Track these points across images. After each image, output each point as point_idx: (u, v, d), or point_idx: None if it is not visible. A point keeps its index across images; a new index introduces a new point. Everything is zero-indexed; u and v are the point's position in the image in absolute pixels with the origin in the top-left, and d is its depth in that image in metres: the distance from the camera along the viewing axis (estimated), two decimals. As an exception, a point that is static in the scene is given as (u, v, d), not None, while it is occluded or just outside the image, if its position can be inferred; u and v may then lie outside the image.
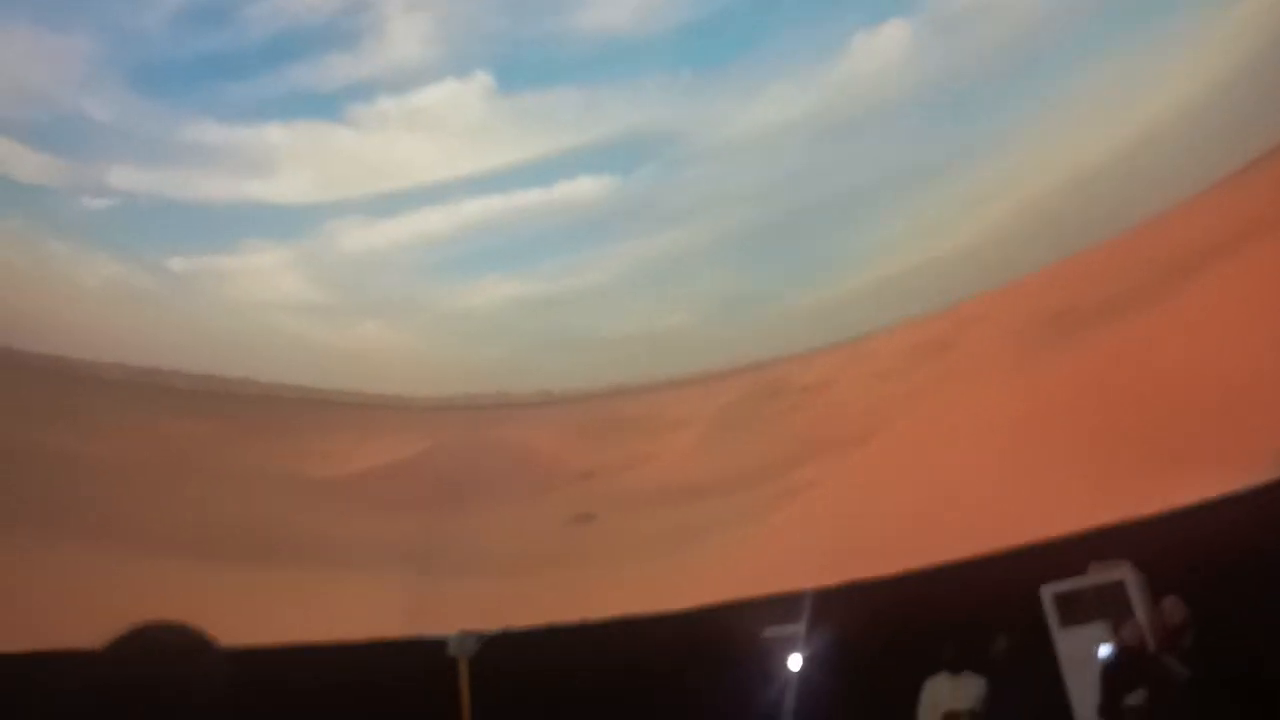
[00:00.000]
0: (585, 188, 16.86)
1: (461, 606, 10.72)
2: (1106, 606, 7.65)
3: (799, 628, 8.42)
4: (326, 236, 16.57)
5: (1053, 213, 14.39)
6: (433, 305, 16.38)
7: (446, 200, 16.73)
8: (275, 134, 16.58)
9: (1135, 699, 6.84)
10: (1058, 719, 7.62)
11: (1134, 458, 9.99)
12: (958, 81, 15.35)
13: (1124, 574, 7.74)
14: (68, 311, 14.46)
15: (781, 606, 8.77)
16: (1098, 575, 7.87)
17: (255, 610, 9.42)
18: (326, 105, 16.73)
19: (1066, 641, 7.82)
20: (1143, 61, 14.36)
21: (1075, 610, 7.86)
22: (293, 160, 16.65)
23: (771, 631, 8.64)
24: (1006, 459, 11.24)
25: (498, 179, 16.62)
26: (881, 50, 15.50)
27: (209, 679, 1.86)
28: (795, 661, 8.42)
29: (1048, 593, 7.98)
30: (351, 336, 16.62)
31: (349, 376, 14.90)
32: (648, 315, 16.41)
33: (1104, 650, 7.41)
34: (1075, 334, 12.74)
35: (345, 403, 14.86)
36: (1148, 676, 6.89)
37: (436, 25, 16.85)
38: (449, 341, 16.21)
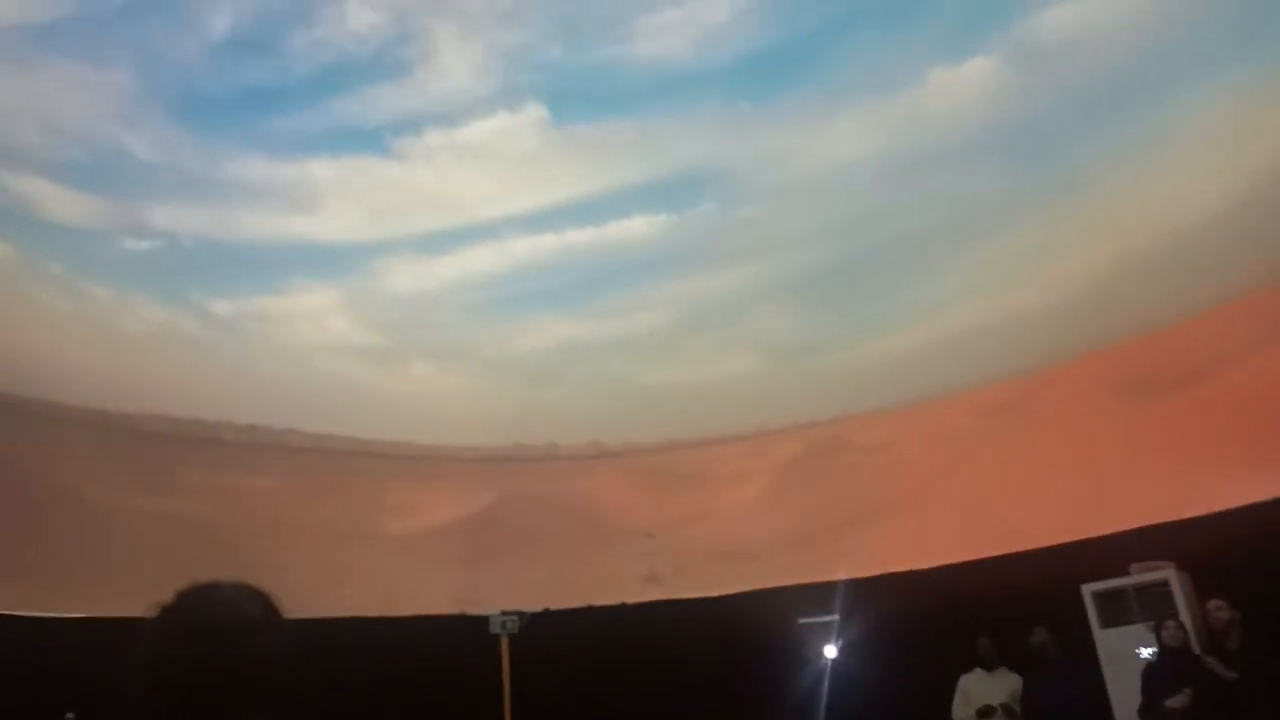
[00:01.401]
0: (639, 226, 16.28)
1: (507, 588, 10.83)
2: (1149, 607, 7.53)
3: (835, 616, 8.45)
4: (375, 276, 16.10)
5: (1144, 273, 12.64)
6: (482, 349, 15.75)
7: (497, 237, 16.34)
8: (321, 169, 16.13)
9: (1178, 700, 6.75)
10: (1097, 719, 7.52)
11: (1179, 458, 9.69)
12: (1042, 123, 13.66)
13: (1167, 575, 7.61)
14: (110, 361, 13.68)
15: (817, 594, 8.81)
16: (1140, 575, 7.75)
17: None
18: (374, 139, 16.20)
19: (1108, 641, 7.72)
20: (1256, 103, 12.62)
21: (1117, 610, 7.75)
22: (339, 196, 16.28)
23: (807, 619, 8.70)
24: (1055, 466, 10.91)
25: (549, 215, 16.16)
26: (960, 87, 14.33)
27: (273, 646, 1.85)
28: (830, 650, 8.47)
29: (1089, 591, 7.87)
30: (401, 382, 15.88)
31: (399, 426, 14.12)
32: (702, 363, 15.38)
33: (1146, 651, 7.31)
34: (1151, 400, 11.26)
35: (397, 454, 14.39)
36: (1191, 678, 6.80)
37: (488, 55, 16.32)
38: (499, 388, 15.43)
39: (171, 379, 14.27)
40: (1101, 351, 12.32)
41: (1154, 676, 7.03)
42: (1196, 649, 7.10)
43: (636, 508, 12.66)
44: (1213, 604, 7.09)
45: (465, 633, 8.98)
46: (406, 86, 16.02)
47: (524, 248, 16.17)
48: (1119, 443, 10.58)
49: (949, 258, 14.16)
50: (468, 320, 15.89)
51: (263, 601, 1.86)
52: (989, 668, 7.78)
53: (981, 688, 7.75)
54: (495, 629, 8.87)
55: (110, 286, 14.76)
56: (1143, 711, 7.00)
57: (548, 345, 15.53)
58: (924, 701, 7.91)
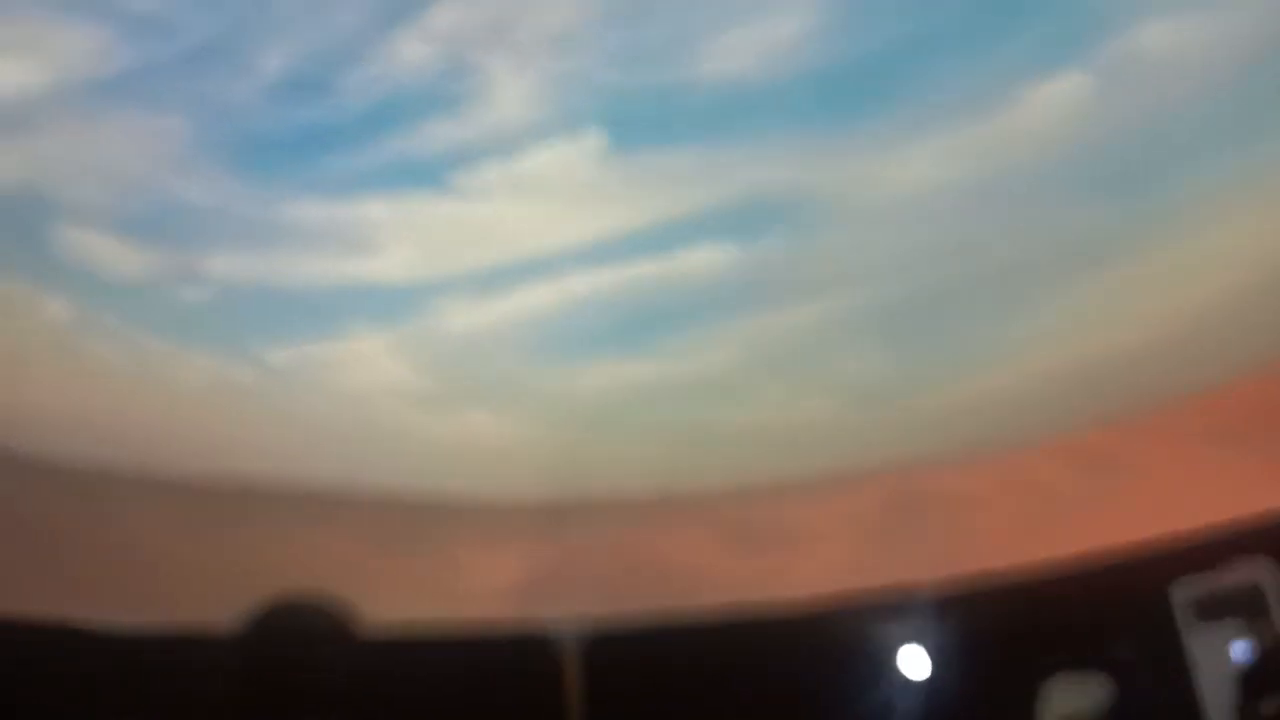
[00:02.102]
0: (705, 257, 15.68)
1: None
2: (1242, 607, 7.38)
3: (914, 627, 8.28)
4: (431, 316, 15.44)
5: (1256, 310, 12.43)
6: (542, 391, 15.12)
7: (555, 273, 15.62)
8: (376, 208, 15.84)
9: (1273, 705, 6.61)
10: (1188, 725, 7.35)
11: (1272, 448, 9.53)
12: (1144, 145, 13.34)
13: (1261, 572, 7.49)
14: (169, 417, 13.82)
15: (896, 606, 8.63)
16: (1232, 573, 7.62)
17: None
18: (429, 174, 16.06)
19: (1198, 643, 7.55)
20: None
21: (1208, 610, 7.59)
22: (395, 235, 15.98)
23: (886, 631, 8.52)
24: (1136, 460, 10.77)
25: (610, 248, 15.62)
26: (1052, 105, 13.55)
27: (345, 660, 1.87)
28: (910, 661, 8.28)
29: (1178, 592, 7.74)
30: (459, 428, 15.26)
31: (459, 475, 13.97)
32: (776, 405, 14.81)
33: (1240, 652, 7.18)
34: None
35: (455, 506, 13.82)
36: (1289, 681, 6.66)
37: (544, 82, 16.13)
38: (560, 433, 14.68)
39: (229, 433, 13.96)
40: (1203, 394, 11.41)
41: (1249, 680, 6.89)
42: (1294, 649, 6.98)
43: (714, 562, 12.16)
44: (1312, 601, 6.98)
45: (528, 649, 8.78)
46: (461, 119, 16.40)
47: (584, 283, 15.55)
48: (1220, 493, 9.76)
49: (1040, 293, 13.50)
50: (526, 361, 15.21)
51: (336, 613, 2.09)
52: (1075, 672, 7.61)
53: (1067, 694, 7.58)
54: (560, 645, 8.67)
55: (167, 340, 14.50)
56: (1238, 715, 6.85)
57: (610, 387, 14.71)
58: (1010, 713, 7.73)
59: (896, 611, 8.52)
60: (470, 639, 9.76)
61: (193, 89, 15.97)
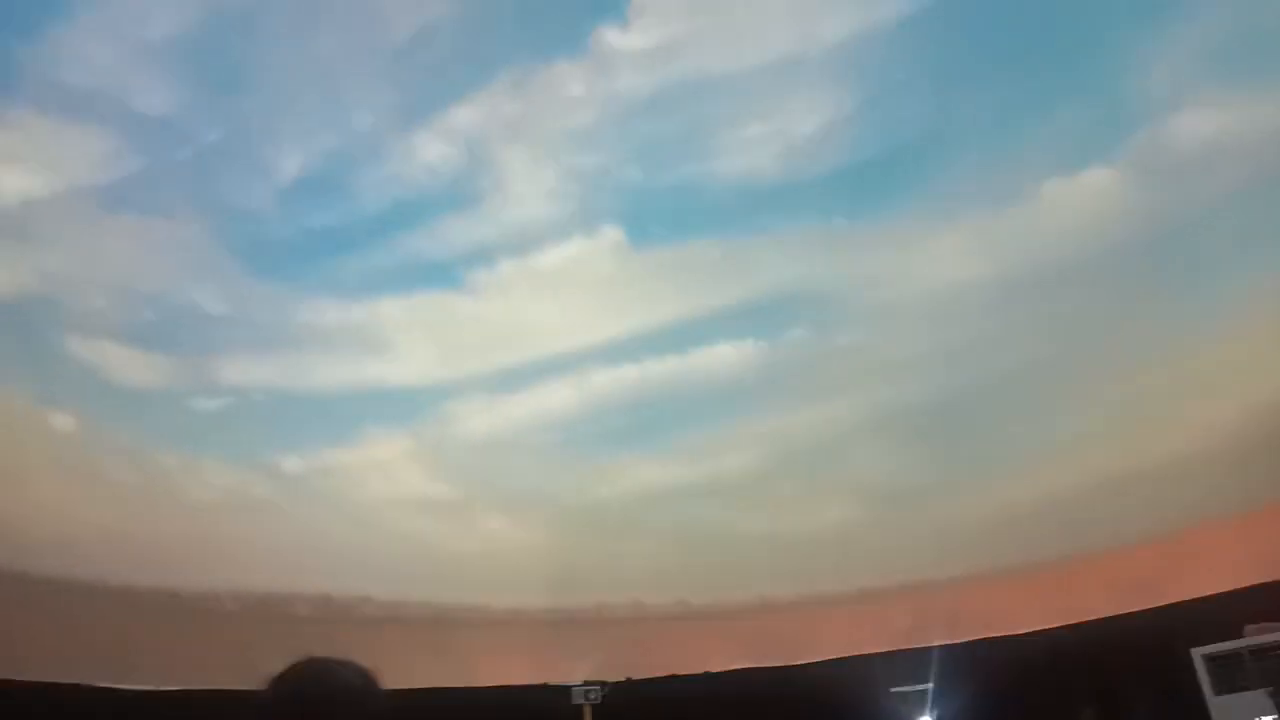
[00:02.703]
0: (725, 355, 14.92)
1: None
2: (1266, 672, 7.06)
3: (927, 685, 8.11)
4: (448, 420, 15.06)
5: None
6: (559, 497, 14.12)
7: (574, 371, 15.19)
8: (393, 308, 15.46)
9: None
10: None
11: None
12: (1176, 243, 12.03)
13: (1285, 637, 7.14)
14: (181, 534, 12.49)
15: (910, 662, 8.48)
16: (1255, 638, 7.29)
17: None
18: (446, 273, 15.67)
19: (1222, 709, 7.26)
20: None
21: (1231, 675, 7.28)
22: (411, 336, 15.54)
23: (899, 688, 8.36)
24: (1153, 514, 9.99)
25: (629, 345, 14.99)
26: (1078, 201, 12.62)
27: (374, 712, 1.98)
28: (931, 715, 8.12)
29: (1199, 655, 7.43)
30: (475, 537, 14.39)
31: (476, 586, 12.99)
32: (796, 510, 13.40)
33: (1266, 719, 6.86)
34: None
35: (472, 620, 12.90)
36: (1317, 749, 6.35)
37: (562, 179, 15.53)
38: (577, 541, 13.73)
39: (242, 548, 13.26)
40: (1261, 513, 9.33)
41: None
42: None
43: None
44: (1336, 668, 6.64)
45: (549, 702, 8.92)
46: (479, 216, 15.58)
47: (602, 382, 15.03)
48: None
49: (1066, 395, 12.22)
50: (543, 465, 14.58)
51: (364, 674, 2.00)
52: None
53: None
54: (578, 699, 8.79)
55: (179, 453, 14.09)
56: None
57: (629, 491, 13.95)
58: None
59: (909, 674, 8.38)
60: (496, 691, 9.96)
61: (205, 193, 15.02)
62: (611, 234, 15.11)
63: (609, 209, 15.47)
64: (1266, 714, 6.90)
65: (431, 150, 15.20)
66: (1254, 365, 10.95)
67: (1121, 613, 8.32)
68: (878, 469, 13.11)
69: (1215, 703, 7.33)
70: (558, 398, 15.09)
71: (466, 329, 15.44)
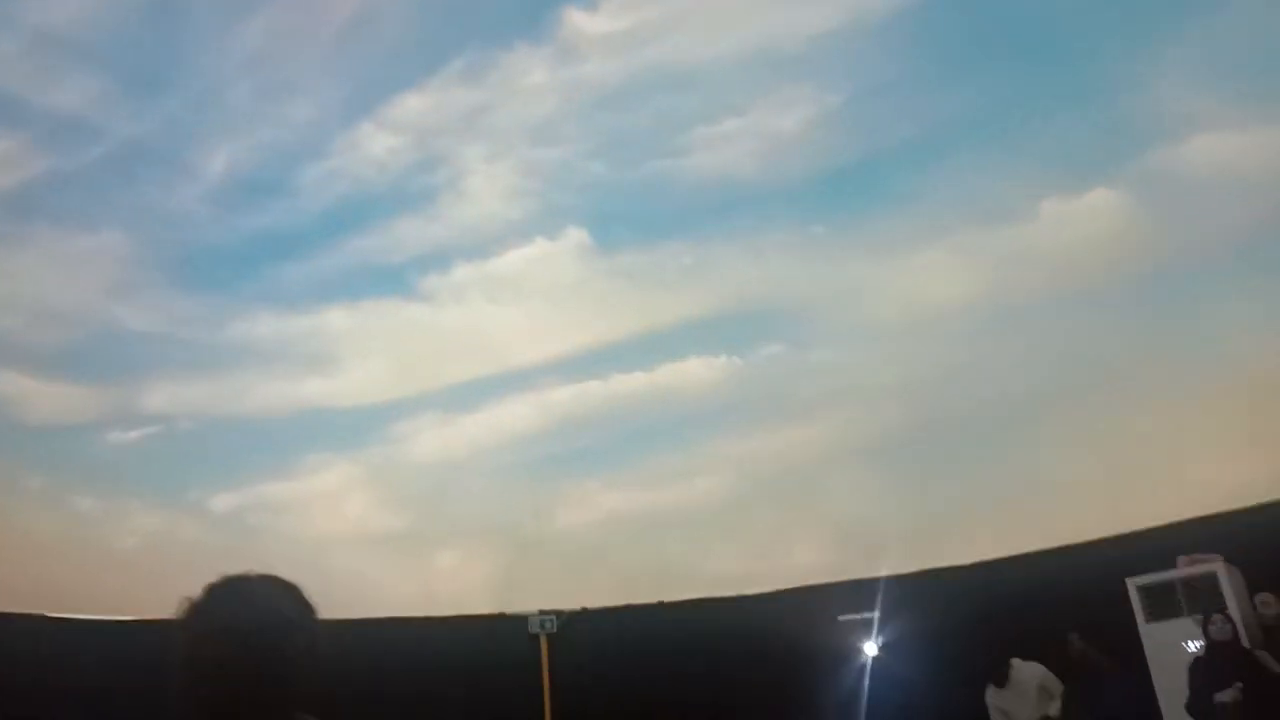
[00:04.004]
0: (695, 370, 13.49)
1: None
2: (1197, 601, 7.38)
3: (874, 614, 8.40)
4: (398, 441, 13.46)
5: None
6: (519, 525, 13.20)
7: (534, 387, 13.69)
8: (339, 318, 13.61)
9: (1228, 695, 6.63)
10: (1145, 716, 7.40)
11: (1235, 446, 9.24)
12: (1178, 270, 11.25)
13: (1215, 568, 7.46)
14: (101, 586, 11.06)
15: (856, 593, 8.76)
16: (1187, 569, 7.60)
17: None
18: (395, 279, 13.86)
19: (1154, 636, 7.59)
20: None
21: (1163, 605, 7.61)
22: (359, 349, 13.74)
23: (846, 616, 8.66)
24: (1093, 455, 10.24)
25: (593, 359, 13.56)
26: (1078, 223, 11.69)
27: (306, 643, 1.81)
28: (869, 647, 8.43)
29: (1134, 585, 7.74)
30: (428, 573, 13.19)
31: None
32: (770, 541, 12.63)
33: (1194, 645, 7.18)
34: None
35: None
36: (1241, 672, 6.67)
37: (522, 175, 13.93)
38: (536, 572, 12.59)
39: (170, 600, 11.44)
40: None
41: (1202, 671, 6.90)
42: (1246, 643, 6.97)
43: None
44: (1261, 598, 6.96)
45: (506, 632, 9.09)
46: (431, 216, 13.81)
47: (564, 398, 13.56)
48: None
49: (1059, 426, 11.55)
50: (500, 490, 13.37)
51: (294, 596, 1.81)
52: (1000, 684, 7.63)
53: (1009, 702, 7.62)
54: (534, 629, 8.95)
55: (98, 495, 12.32)
56: (1190, 706, 6.88)
57: (591, 519, 13.03)
58: (961, 696, 7.88)
59: (856, 603, 8.66)
60: (456, 621, 10.05)
61: (122, 197, 12.81)
62: (575, 235, 13.69)
63: (572, 208, 14.02)
64: (1194, 639, 7.20)
65: (378, 144, 13.58)
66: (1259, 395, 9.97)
67: (1058, 545, 8.63)
68: (853, 497, 12.46)
69: (1146, 629, 7.63)
70: (517, 415, 13.74)
71: (419, 340, 13.84)
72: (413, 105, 13.68)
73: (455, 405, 13.64)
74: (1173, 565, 7.66)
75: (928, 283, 12.56)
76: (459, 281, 13.72)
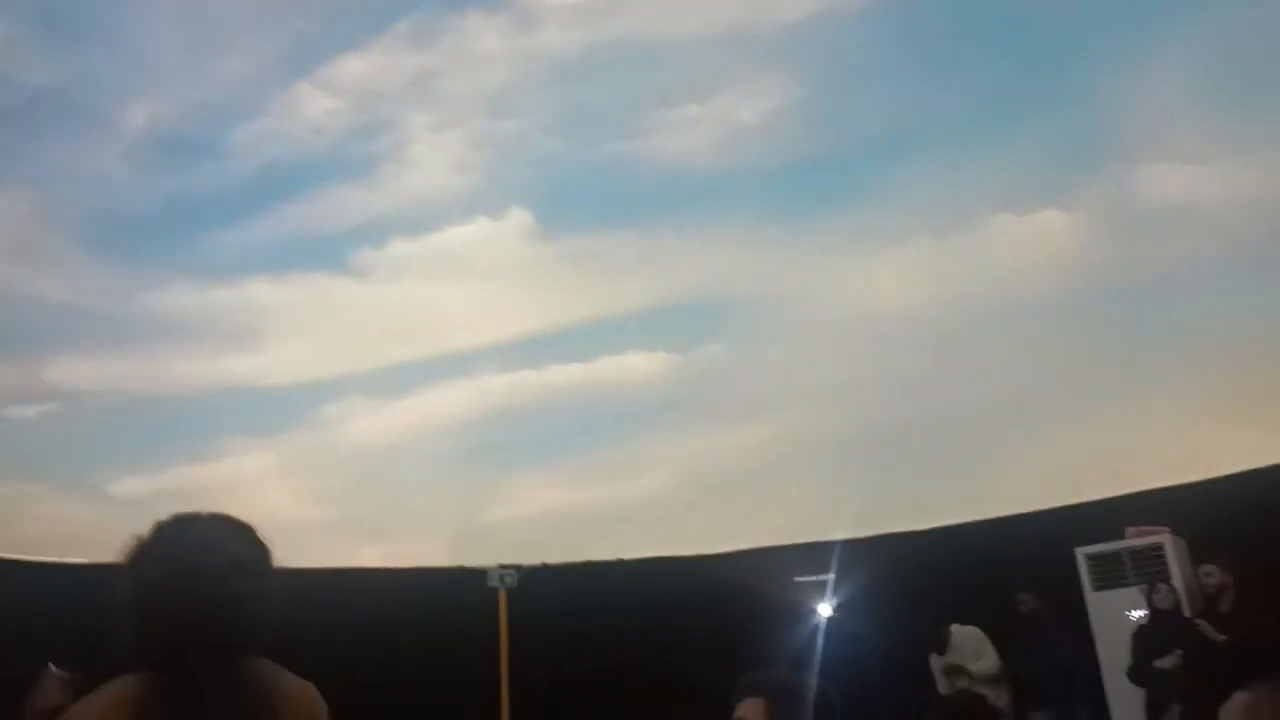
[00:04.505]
0: (637, 365, 12.86)
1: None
2: (1142, 571, 7.58)
3: (829, 576, 8.55)
4: (325, 427, 12.68)
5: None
6: (453, 518, 12.66)
7: (470, 373, 13.02)
8: (264, 291, 12.64)
9: (1167, 662, 6.83)
10: (1087, 680, 7.61)
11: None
12: (1131, 295, 11.05)
13: (1162, 539, 7.64)
14: None
15: (813, 555, 8.89)
16: (1135, 540, 7.79)
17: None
18: (328, 252, 12.98)
19: (1099, 604, 7.79)
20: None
21: (1110, 573, 7.80)
22: (285, 326, 12.90)
23: (801, 578, 8.80)
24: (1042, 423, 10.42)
25: (533, 347, 12.88)
26: (1028, 242, 11.53)
27: (258, 584, 1.76)
28: (825, 608, 8.59)
29: (1082, 554, 7.92)
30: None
31: None
32: (709, 543, 11.62)
33: (1137, 614, 7.38)
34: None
35: None
36: (1181, 640, 6.86)
37: (469, 149, 13.01)
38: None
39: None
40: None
41: (1144, 638, 7.10)
42: (1188, 612, 7.17)
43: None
44: (1204, 569, 7.14)
45: (464, 585, 9.10)
46: (370, 186, 12.84)
47: (501, 386, 12.84)
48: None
49: (1017, 441, 11.40)
50: (431, 481, 12.72)
51: (247, 536, 1.77)
52: (941, 651, 7.86)
53: (951, 662, 7.84)
54: (493, 583, 8.97)
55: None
56: (1132, 673, 7.08)
57: (526, 515, 12.55)
58: (911, 655, 8.10)
59: (813, 565, 8.80)
60: (414, 573, 10.06)
61: (32, 155, 11.54)
62: (521, 216, 12.81)
63: (520, 187, 13.17)
64: (1138, 608, 7.39)
65: (316, 105, 12.47)
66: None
67: (1012, 514, 8.79)
68: (800, 506, 12.09)
69: (1093, 597, 7.82)
70: (453, 403, 12.82)
71: (350, 318, 12.83)
72: (355, 66, 12.76)
73: (387, 389, 12.98)
74: (1121, 536, 7.85)
75: (881, 288, 12.28)
76: (395, 258, 12.82)
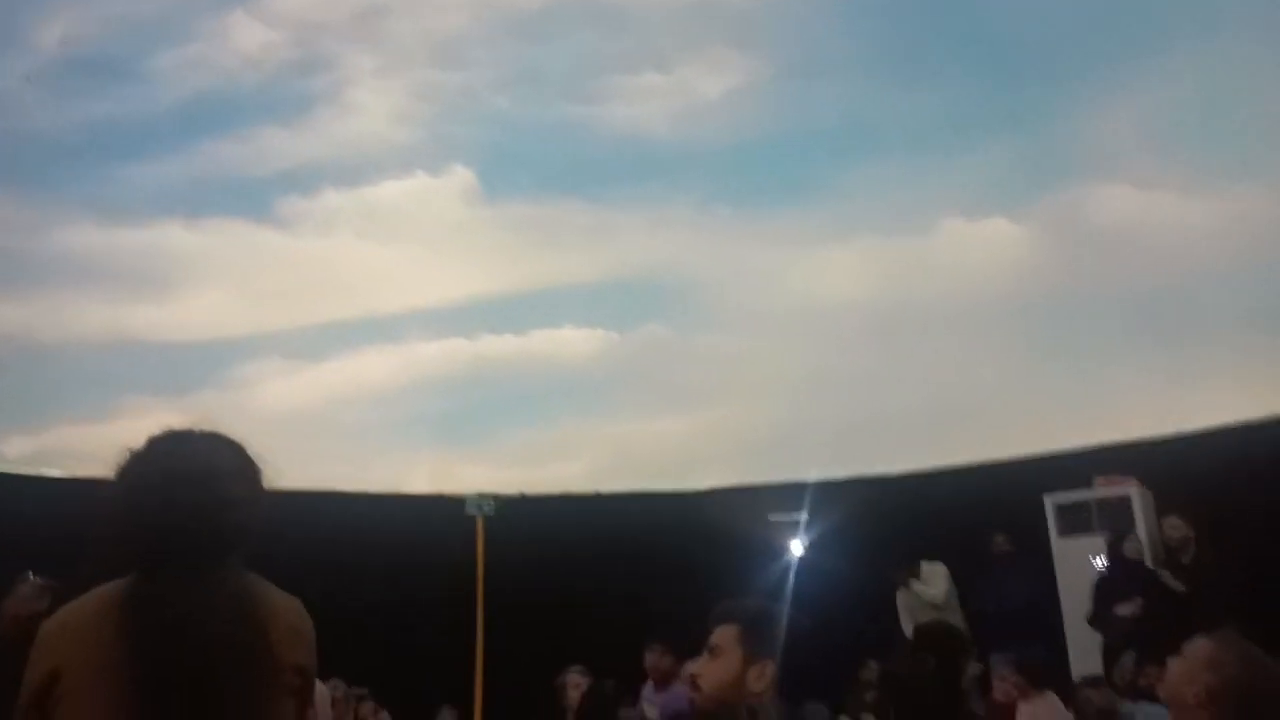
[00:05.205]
0: (571, 341, 12.21)
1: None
2: (1109, 520, 7.75)
3: (802, 515, 8.69)
4: (237, 388, 11.60)
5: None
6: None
7: (397, 339, 12.31)
8: (178, 235, 11.41)
9: (1127, 609, 7.01)
10: (1047, 624, 7.80)
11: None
12: (1071, 312, 11.03)
13: (1129, 490, 7.80)
14: None
15: (788, 494, 9.02)
16: (1103, 490, 7.94)
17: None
18: (252, 197, 11.83)
19: (1064, 550, 7.97)
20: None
21: (1076, 521, 7.98)
22: (199, 274, 11.78)
23: (776, 517, 8.94)
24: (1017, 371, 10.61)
25: (464, 314, 12.12)
26: (977, 249, 11.40)
27: (245, 492, 1.73)
28: (797, 547, 8.75)
29: (1051, 502, 8.08)
30: None
31: None
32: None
33: (1101, 561, 7.56)
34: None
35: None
36: (1142, 588, 7.05)
37: (414, 98, 12.31)
38: None
39: None
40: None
41: (1106, 585, 7.29)
42: (1150, 562, 7.35)
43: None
44: (1169, 521, 7.30)
45: (443, 512, 9.19)
46: (303, 128, 11.87)
47: (430, 355, 12.09)
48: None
49: (946, 443, 11.06)
50: (350, 452, 11.91)
51: (238, 450, 1.82)
52: (909, 585, 8.06)
53: (925, 581, 8.06)
54: (471, 510, 9.04)
55: None
56: (1091, 617, 7.28)
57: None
58: (880, 593, 8.29)
59: (787, 504, 8.93)
60: (392, 498, 10.13)
61: None
62: (463, 175, 12.02)
63: (465, 144, 12.30)
64: (1102, 555, 7.57)
65: (251, 35, 11.50)
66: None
67: (985, 461, 8.93)
68: None
69: (1058, 544, 8.00)
70: (377, 368, 12.00)
71: (271, 271, 11.79)
72: (299, -5, 11.32)
73: (307, 350, 12.17)
74: (1091, 486, 8.00)
75: (826, 279, 11.93)
76: (325, 209, 11.91)
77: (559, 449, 12.25)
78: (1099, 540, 7.63)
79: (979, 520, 8.12)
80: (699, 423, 12.35)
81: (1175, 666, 2.38)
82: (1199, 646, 2.36)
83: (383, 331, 12.20)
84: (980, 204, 11.44)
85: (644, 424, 12.43)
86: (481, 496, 9.04)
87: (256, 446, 1.84)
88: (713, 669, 2.21)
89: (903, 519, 8.51)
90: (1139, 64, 10.92)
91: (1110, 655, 6.82)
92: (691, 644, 2.38)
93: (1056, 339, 11.16)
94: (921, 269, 11.55)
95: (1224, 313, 10.17)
